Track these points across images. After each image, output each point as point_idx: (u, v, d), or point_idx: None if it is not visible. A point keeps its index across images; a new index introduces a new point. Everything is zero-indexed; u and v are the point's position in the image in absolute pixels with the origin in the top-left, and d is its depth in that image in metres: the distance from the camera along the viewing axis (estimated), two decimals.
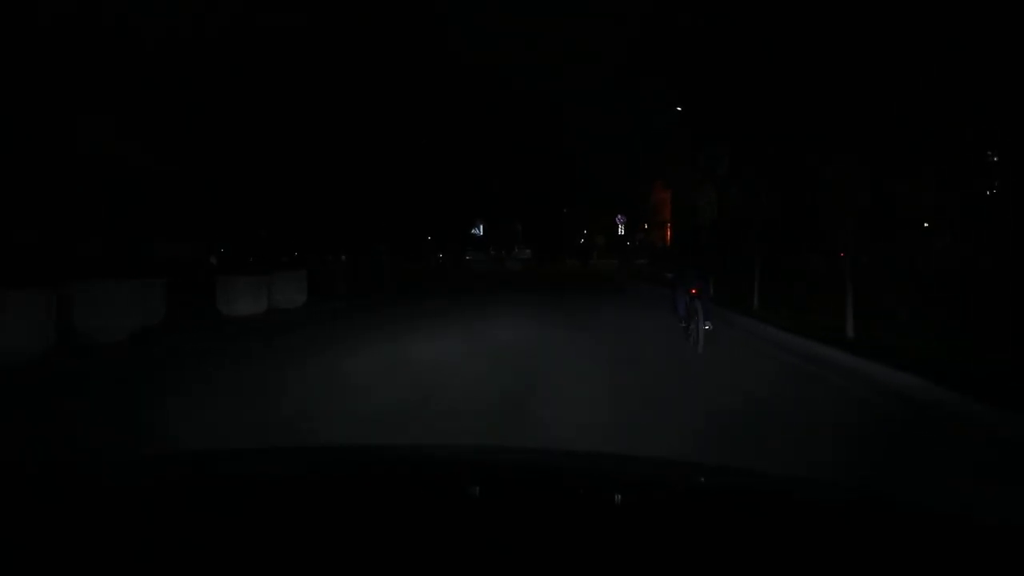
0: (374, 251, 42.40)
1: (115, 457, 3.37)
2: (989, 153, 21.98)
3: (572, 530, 1.10)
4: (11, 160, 20.20)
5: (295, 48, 36.20)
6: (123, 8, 23.67)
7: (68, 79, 22.15)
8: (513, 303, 16.44)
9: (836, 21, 20.69)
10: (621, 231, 49.98)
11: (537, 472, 1.57)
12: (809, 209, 21.39)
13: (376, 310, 14.88)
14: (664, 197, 47.14)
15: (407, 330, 11.09)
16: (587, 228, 69.82)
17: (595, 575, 0.92)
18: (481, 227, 47.56)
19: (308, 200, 41.94)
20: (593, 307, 15.82)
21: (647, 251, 41.87)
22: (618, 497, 1.43)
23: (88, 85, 22.77)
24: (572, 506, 1.31)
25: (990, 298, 11.12)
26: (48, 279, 8.86)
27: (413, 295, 20.51)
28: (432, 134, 46.29)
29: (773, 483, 1.59)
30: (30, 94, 21.05)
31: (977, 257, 19.01)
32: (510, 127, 53.53)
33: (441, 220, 47.83)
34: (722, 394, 6.23)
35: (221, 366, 8.17)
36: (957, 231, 20.84)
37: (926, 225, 22.31)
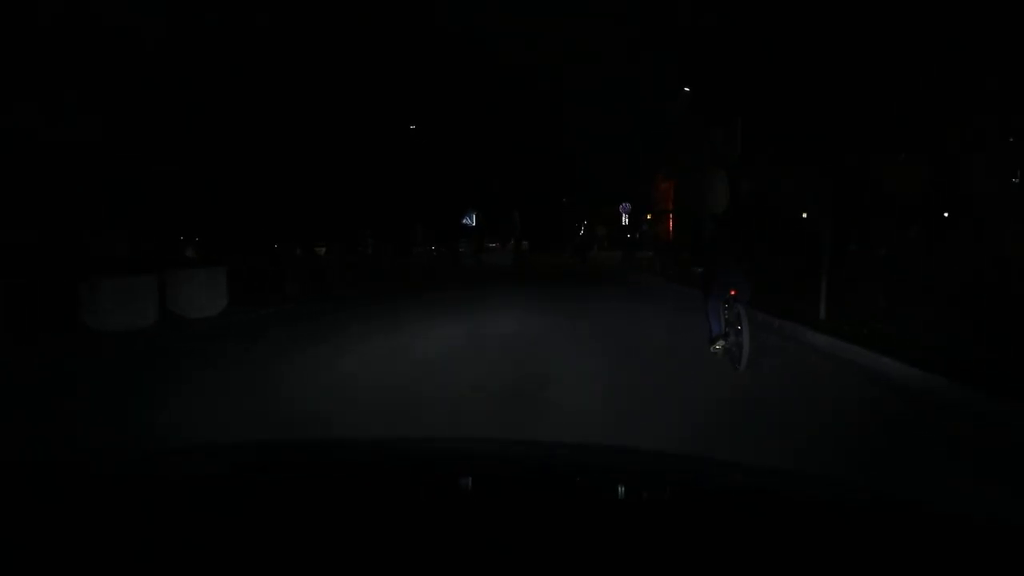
0: (362, 243, 39.59)
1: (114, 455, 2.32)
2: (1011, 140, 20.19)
3: (582, 530, 1.06)
4: None
5: (285, 34, 33.48)
6: None
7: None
8: (509, 299, 13.26)
9: None
10: (625, 220, 46.56)
11: (552, 468, 1.53)
12: (841, 199, 18.97)
13: (313, 324, 11.37)
14: (666, 188, 45.43)
15: (333, 361, 7.88)
16: (587, 220, 67.14)
17: (603, 571, 0.91)
18: (473, 217, 44.04)
19: (289, 189, 38.96)
20: (596, 306, 12.68)
21: (651, 243, 39.22)
22: (623, 492, 1.40)
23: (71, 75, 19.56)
24: (580, 502, 1.29)
25: None
26: None
27: (379, 299, 17.21)
28: (423, 121, 43.42)
29: (775, 478, 1.54)
30: None
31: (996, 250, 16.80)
32: (509, 121, 51.67)
33: (432, 210, 44.69)
34: None
35: None
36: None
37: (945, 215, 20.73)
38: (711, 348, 7.07)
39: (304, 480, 1.36)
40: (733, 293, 6.90)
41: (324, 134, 39.65)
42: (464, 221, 44.00)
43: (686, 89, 33.21)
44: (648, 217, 50.87)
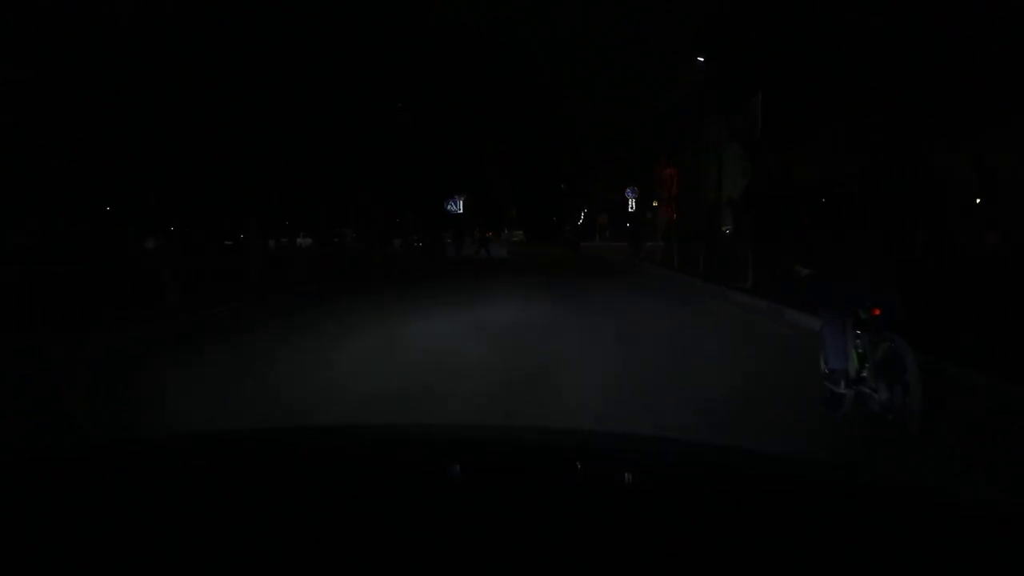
0: (338, 233, 35.45)
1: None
2: None
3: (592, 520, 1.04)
4: None
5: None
6: None
7: None
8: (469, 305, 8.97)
9: None
10: (632, 207, 42.49)
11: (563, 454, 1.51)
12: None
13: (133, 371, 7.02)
14: (670, 174, 42.10)
15: None
16: (588, 208, 63.40)
17: (610, 561, 0.88)
18: (460, 203, 39.63)
19: (251, 171, 34.66)
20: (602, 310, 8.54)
21: (661, 230, 35.75)
22: (625, 478, 1.36)
23: None
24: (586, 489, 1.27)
25: None
26: None
27: (288, 314, 12.95)
28: (413, 103, 39.22)
29: (773, 464, 1.48)
30: None
31: None
32: (506, 105, 48.13)
33: (420, 197, 40.40)
34: None
35: None
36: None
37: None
38: (829, 390, 4.46)
39: (294, 466, 1.32)
40: (876, 313, 4.28)
41: (295, 109, 35.50)
42: (448, 207, 39.58)
43: (699, 59, 29.32)
44: (655, 204, 47.26)
